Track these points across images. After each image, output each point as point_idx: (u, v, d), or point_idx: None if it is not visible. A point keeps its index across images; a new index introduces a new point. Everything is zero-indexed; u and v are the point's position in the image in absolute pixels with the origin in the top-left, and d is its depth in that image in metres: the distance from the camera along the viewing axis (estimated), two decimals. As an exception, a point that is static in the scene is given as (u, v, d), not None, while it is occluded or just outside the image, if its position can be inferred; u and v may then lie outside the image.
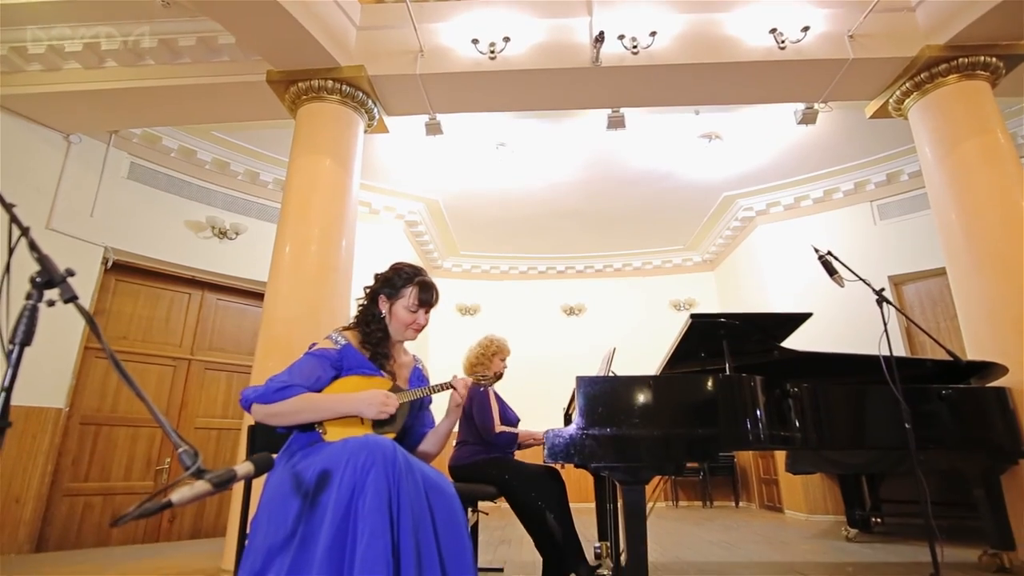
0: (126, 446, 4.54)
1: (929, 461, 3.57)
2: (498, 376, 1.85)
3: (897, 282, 5.48)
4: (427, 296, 1.71)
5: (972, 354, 3.40)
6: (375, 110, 4.04)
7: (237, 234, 5.20)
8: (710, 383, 2.33)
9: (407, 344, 1.83)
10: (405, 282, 1.70)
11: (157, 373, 4.80)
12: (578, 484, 4.74)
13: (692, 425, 2.26)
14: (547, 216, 6.78)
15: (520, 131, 5.13)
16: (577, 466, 3.19)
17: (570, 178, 5.91)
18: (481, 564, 3.16)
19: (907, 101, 3.95)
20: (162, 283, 4.94)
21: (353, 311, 1.80)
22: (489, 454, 2.84)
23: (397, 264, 1.77)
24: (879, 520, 4.87)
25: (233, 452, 4.90)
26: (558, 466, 2.58)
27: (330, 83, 3.76)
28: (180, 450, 0.96)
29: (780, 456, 5.69)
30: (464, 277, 8.04)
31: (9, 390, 1.01)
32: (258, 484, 1.50)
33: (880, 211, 5.76)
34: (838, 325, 5.01)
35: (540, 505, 2.64)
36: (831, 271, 2.66)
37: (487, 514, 2.79)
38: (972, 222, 3.49)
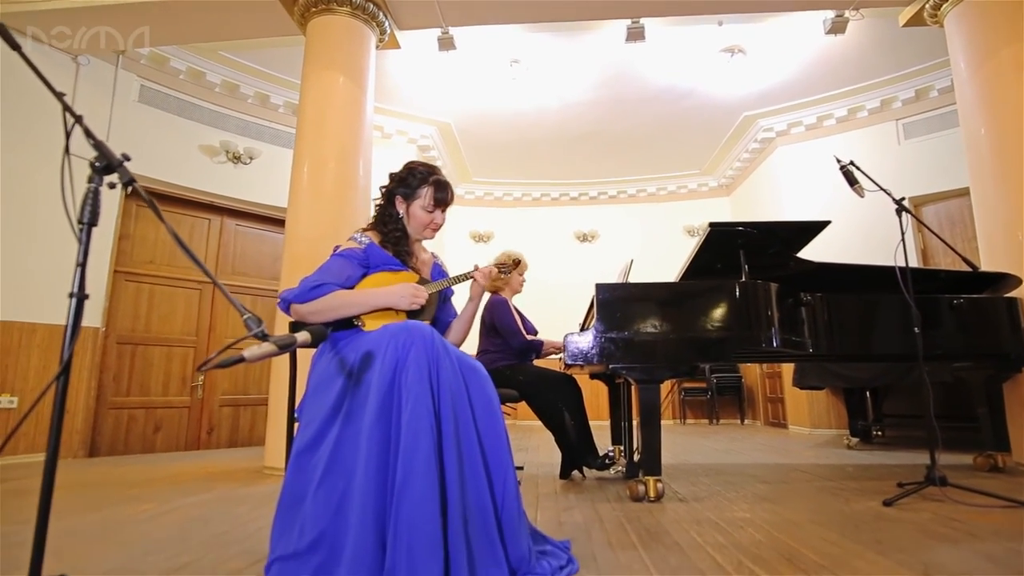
0: (162, 364, 4.78)
1: (934, 372, 3.69)
2: (516, 263, 1.92)
3: (917, 203, 5.41)
4: (442, 195, 1.72)
5: (988, 268, 3.41)
6: (386, 23, 3.92)
7: (251, 159, 5.20)
8: (726, 289, 2.40)
9: None
10: (420, 182, 1.72)
11: (184, 296, 4.97)
12: (589, 403, 4.98)
13: (707, 328, 2.35)
14: (561, 139, 6.66)
15: (535, 47, 4.96)
16: (592, 376, 3.35)
17: (585, 97, 5.76)
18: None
19: (944, 7, 3.74)
20: (182, 208, 5.00)
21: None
22: (510, 361, 2.99)
23: (411, 163, 1.78)
24: (880, 432, 5.08)
25: (262, 370, 5.14)
26: (576, 368, 2.72)
27: (339, -7, 3.63)
28: (245, 317, 1.05)
29: (786, 375, 5.86)
30: (477, 204, 8.02)
31: (83, 265, 1.10)
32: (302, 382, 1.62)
33: (906, 130, 5.59)
34: (853, 249, 5.01)
35: (559, 406, 2.81)
36: (852, 181, 2.65)
37: (511, 413, 2.98)
38: (1000, 135, 3.40)
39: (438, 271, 1.88)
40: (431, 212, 1.73)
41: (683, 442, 4.95)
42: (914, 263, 5.24)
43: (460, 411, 1.37)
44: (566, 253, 7.95)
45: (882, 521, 1.96)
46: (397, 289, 1.59)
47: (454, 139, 6.59)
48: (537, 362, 3.21)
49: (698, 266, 2.83)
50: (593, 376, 3.53)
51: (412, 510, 1.19)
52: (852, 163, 2.66)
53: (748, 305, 2.38)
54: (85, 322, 4.26)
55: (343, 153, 3.54)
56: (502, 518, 1.36)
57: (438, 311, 1.83)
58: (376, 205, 1.81)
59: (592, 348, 2.32)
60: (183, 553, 1.61)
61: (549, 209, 8.14)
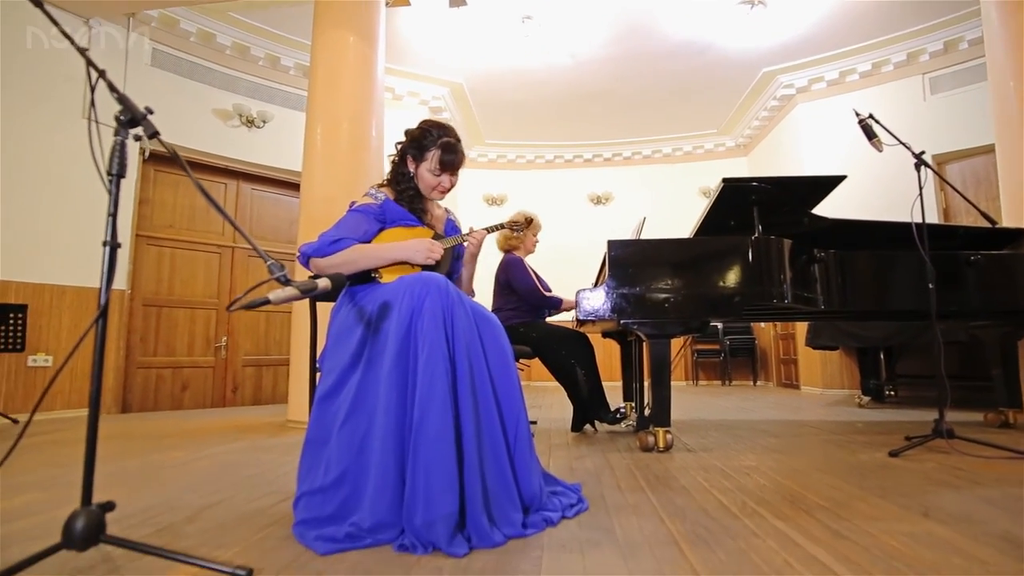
0: (186, 326, 4.92)
1: (949, 331, 3.68)
2: (529, 221, 1.93)
3: (940, 161, 5.27)
4: (450, 158, 1.72)
5: (1010, 225, 3.36)
6: (396, -21, 3.84)
7: (265, 122, 5.21)
8: (738, 244, 2.40)
9: None
10: (430, 144, 1.72)
11: (204, 260, 5.07)
12: (602, 362, 5.07)
13: (718, 284, 2.36)
14: (574, 99, 6.54)
15: (547, 1, 4.83)
16: (604, 334, 3.39)
17: (599, 54, 5.62)
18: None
19: (978, -51, 3.57)
20: (198, 173, 5.05)
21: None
22: (523, 319, 3.04)
23: (425, 123, 1.78)
24: (893, 392, 5.10)
25: (282, 331, 5.28)
26: (589, 326, 2.76)
27: (348, -52, 3.56)
28: (269, 263, 1.10)
29: (800, 336, 5.86)
30: (490, 167, 7.97)
31: (114, 215, 1.15)
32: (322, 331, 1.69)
33: (932, 84, 5.40)
34: (873, 207, 4.92)
35: (571, 362, 2.87)
36: (870, 135, 2.59)
37: (524, 370, 3.05)
38: (1031, 86, 3.29)
39: (451, 226, 1.91)
40: (438, 175, 1.73)
41: (695, 401, 5.03)
42: (935, 221, 5.19)
43: (474, 357, 1.42)
44: (580, 215, 7.91)
45: (887, 470, 2.01)
46: (413, 244, 1.63)
47: (466, 100, 6.51)
48: (549, 320, 3.26)
49: (711, 223, 2.83)
50: (605, 334, 3.58)
51: (429, 449, 1.25)
52: (871, 116, 2.61)
53: (761, 261, 2.38)
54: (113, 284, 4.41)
55: (356, 113, 3.54)
56: (515, 458, 1.43)
57: (450, 268, 1.87)
58: (391, 162, 1.82)
59: (604, 304, 2.35)
60: (217, 492, 1.72)
61: (563, 171, 8.07)
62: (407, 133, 1.80)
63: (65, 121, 4.16)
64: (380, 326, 1.45)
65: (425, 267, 1.68)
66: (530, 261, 3.36)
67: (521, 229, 1.92)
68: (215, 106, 5.04)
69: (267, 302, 1.04)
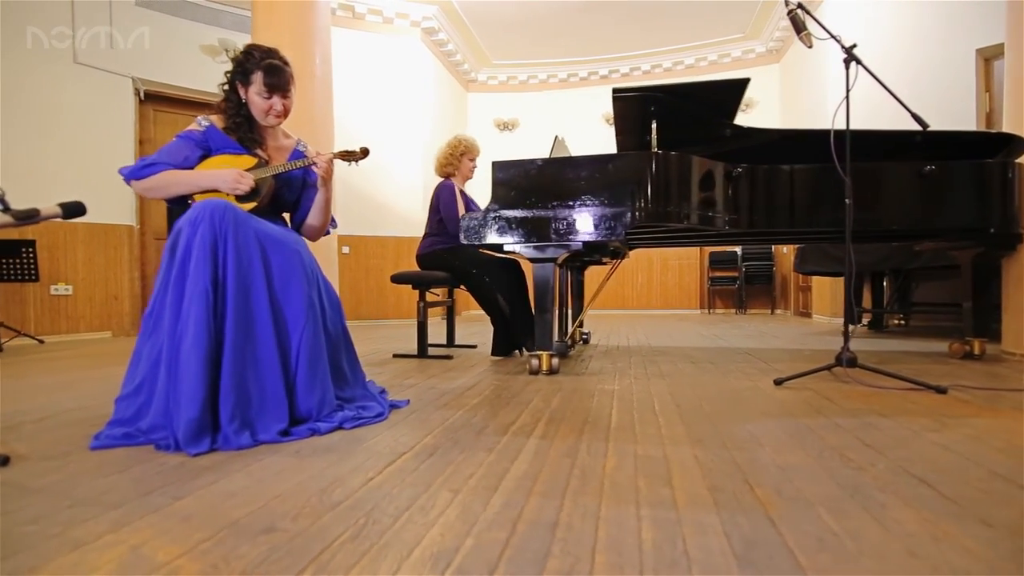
0: (196, 257, 5.33)
1: (938, 256, 3.34)
2: (365, 153, 1.90)
3: (987, 56, 4.51)
4: (274, 80, 1.70)
5: (1010, 129, 2.90)
6: None
7: (251, 56, 5.27)
8: (628, 160, 2.26)
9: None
10: (254, 66, 1.71)
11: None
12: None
13: (604, 204, 2.25)
14: (580, 10, 6.07)
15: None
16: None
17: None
18: (460, 342, 3.60)
19: None
20: (196, 111, 5.24)
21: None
22: (447, 245, 3.05)
23: (250, 46, 1.77)
24: (903, 320, 4.75)
25: (283, 262, 5.60)
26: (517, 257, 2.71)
27: None
28: (-12, 193, 1.20)
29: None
30: (501, 90, 7.70)
31: None
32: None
33: (987, -40, 4.54)
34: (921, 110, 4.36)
35: (491, 288, 2.88)
36: (799, 28, 2.30)
37: (463, 291, 3.13)
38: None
39: (297, 156, 1.91)
40: (268, 98, 1.73)
41: (679, 329, 4.91)
42: (973, 128, 4.53)
43: (253, 279, 1.50)
44: (595, 137, 7.53)
45: (754, 397, 1.93)
46: (221, 173, 1.68)
47: (460, 19, 6.22)
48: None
49: (629, 143, 2.66)
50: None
51: (183, 363, 1.37)
52: (800, 6, 2.30)
53: (659, 177, 2.23)
54: (121, 220, 4.82)
55: (296, 39, 3.51)
56: (297, 374, 1.53)
57: (300, 196, 1.90)
58: (222, 89, 1.83)
59: (484, 226, 2.32)
60: (90, 400, 1.96)
61: (577, 91, 7.65)
62: (233, 59, 1.81)
63: (56, 66, 4.40)
64: (175, 252, 1.55)
65: (244, 197, 1.72)
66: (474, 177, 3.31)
67: (354, 160, 1.88)
68: (202, 42, 5.15)
69: (-30, 228, 1.15)
